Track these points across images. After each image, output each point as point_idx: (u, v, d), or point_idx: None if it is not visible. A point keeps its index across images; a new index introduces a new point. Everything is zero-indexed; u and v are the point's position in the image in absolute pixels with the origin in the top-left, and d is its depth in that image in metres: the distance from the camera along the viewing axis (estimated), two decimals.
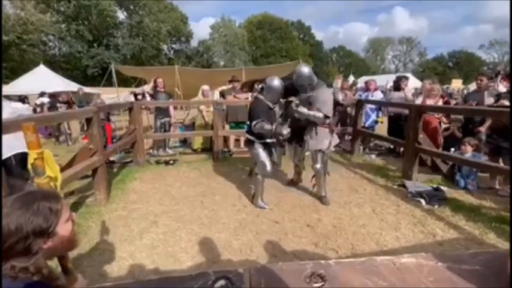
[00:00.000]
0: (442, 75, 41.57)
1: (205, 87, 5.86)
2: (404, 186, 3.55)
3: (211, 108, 5.17)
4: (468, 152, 3.64)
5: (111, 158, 4.70)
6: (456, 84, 19.10)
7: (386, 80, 13.42)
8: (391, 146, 5.50)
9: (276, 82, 3.03)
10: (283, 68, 14.56)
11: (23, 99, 9.47)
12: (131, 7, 32.48)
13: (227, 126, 5.57)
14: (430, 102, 4.49)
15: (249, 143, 3.14)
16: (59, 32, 26.64)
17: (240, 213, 2.96)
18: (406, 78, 5.64)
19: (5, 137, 1.98)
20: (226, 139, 5.53)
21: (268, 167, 3.04)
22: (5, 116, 2.48)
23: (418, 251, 2.23)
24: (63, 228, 0.81)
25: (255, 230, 2.61)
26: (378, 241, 2.42)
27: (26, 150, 2.52)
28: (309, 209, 3.04)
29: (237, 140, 5.98)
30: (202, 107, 5.65)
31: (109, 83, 14.92)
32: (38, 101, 8.40)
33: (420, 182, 3.67)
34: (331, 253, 2.26)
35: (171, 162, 4.82)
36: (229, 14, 65.09)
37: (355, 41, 75.48)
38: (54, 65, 22.29)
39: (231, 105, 5.43)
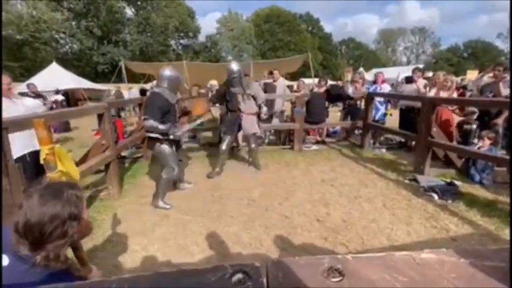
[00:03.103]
0: (457, 66, 40.19)
1: (213, 82, 5.87)
2: (416, 180, 3.49)
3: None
4: (485, 145, 3.52)
5: (123, 153, 4.80)
6: (472, 75, 18.42)
7: (397, 72, 13.09)
8: (402, 140, 5.39)
9: (169, 72, 2.98)
10: (291, 62, 14.41)
11: (37, 96, 9.77)
12: (138, 3, 32.63)
13: None
14: (443, 94, 4.36)
15: (151, 141, 2.94)
16: (69, 30, 27.09)
17: (249, 207, 2.98)
18: (420, 70, 5.48)
19: (20, 134, 2.04)
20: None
21: (176, 170, 3.00)
22: (18, 114, 2.55)
23: (430, 247, 2.22)
24: (85, 213, 0.91)
25: (264, 224, 2.63)
26: (389, 236, 2.39)
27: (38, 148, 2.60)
28: (318, 203, 3.03)
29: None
30: None
31: (119, 80, 15.15)
32: (53, 98, 8.72)
33: (433, 176, 3.60)
34: (340, 248, 2.26)
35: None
36: (236, 7, 64.51)
37: (365, 33, 73.70)
38: (66, 62, 22.72)
39: None
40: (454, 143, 4.06)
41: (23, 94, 4.91)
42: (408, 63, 42.85)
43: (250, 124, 3.87)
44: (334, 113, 8.48)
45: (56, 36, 27.36)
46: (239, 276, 0.26)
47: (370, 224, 2.58)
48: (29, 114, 2.43)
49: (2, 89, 2.69)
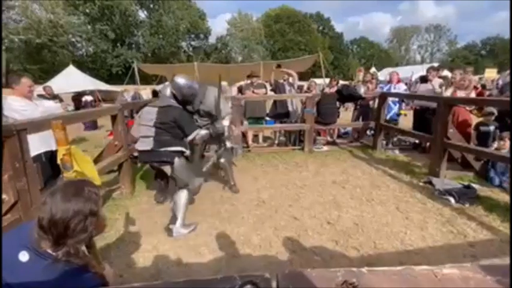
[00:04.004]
0: (474, 64, 38.70)
1: (224, 83, 5.89)
2: (430, 183, 3.38)
3: (230, 104, 5.19)
4: (506, 147, 3.37)
5: (135, 154, 4.89)
6: (490, 74, 17.72)
7: (411, 72, 12.76)
8: (417, 141, 5.24)
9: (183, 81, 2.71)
10: (302, 62, 14.32)
11: (53, 97, 10.26)
12: (151, 5, 33.28)
13: (245, 122, 5.57)
14: (461, 94, 4.20)
15: (168, 155, 2.56)
16: (85, 33, 27.96)
17: (258, 208, 2.97)
18: (436, 68, 5.31)
19: (36, 135, 2.12)
20: (244, 135, 5.55)
21: (199, 185, 2.77)
22: (37, 115, 2.65)
23: (447, 252, 2.14)
24: (101, 210, 0.97)
25: (274, 225, 2.61)
26: (403, 240, 2.32)
27: (54, 148, 2.70)
28: (329, 206, 2.98)
29: (255, 136, 5.99)
30: None
31: (132, 81, 15.50)
32: (84, 99, 9.39)
33: (449, 179, 3.47)
34: (352, 251, 2.21)
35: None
36: (247, 8, 64.70)
37: (377, 32, 72.24)
38: (82, 65, 23.46)
39: (250, 100, 5.43)
40: (472, 145, 3.91)
41: (39, 96, 5.11)
42: (422, 62, 41.64)
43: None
44: (346, 114, 8.35)
45: (73, 39, 28.29)
46: (248, 287, 0.26)
47: (383, 228, 2.52)
48: (46, 116, 2.52)
49: (27, 90, 2.81)
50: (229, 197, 3.25)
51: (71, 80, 12.75)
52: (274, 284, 0.26)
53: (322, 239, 2.39)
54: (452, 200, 2.95)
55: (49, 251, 0.85)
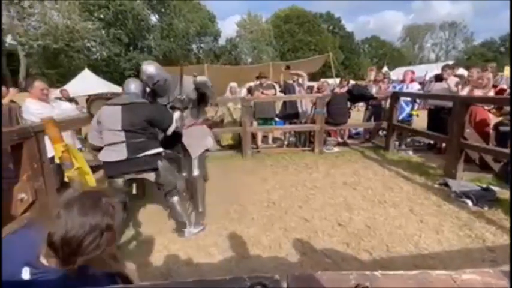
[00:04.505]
0: (492, 61, 37.24)
1: (233, 84, 5.92)
2: (446, 185, 3.27)
3: (239, 105, 5.22)
4: None
5: None
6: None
7: (425, 71, 12.42)
8: (431, 142, 5.09)
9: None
10: (312, 62, 14.21)
11: (69, 100, 10.60)
12: (162, 9, 33.92)
13: (255, 123, 5.58)
14: (478, 93, 4.05)
15: (149, 162, 2.25)
16: (99, 38, 28.81)
17: (268, 209, 2.96)
18: (451, 67, 5.15)
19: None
20: (254, 136, 5.55)
21: (182, 180, 2.65)
22: (54, 116, 2.74)
23: (464, 256, 2.05)
24: (116, 223, 0.89)
25: (284, 226, 2.59)
26: (417, 244, 2.25)
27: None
28: (340, 208, 2.93)
29: (265, 137, 5.98)
30: (230, 104, 5.72)
31: None
32: None
33: (466, 181, 3.35)
34: (364, 254, 2.16)
35: None
36: (256, 9, 64.84)
37: (389, 30, 70.82)
38: (96, 68, 24.15)
39: (259, 101, 5.43)
40: (491, 145, 3.75)
41: (57, 99, 5.30)
42: (437, 60, 40.43)
43: (196, 138, 2.66)
44: (357, 114, 8.22)
45: (88, 44, 29.18)
46: None
47: (396, 231, 2.45)
48: (62, 117, 2.60)
49: (40, 93, 2.92)
50: (239, 198, 3.26)
51: (86, 83, 13.18)
52: (284, 286, 0.25)
53: (333, 241, 2.35)
54: (469, 202, 2.84)
55: (55, 266, 0.79)
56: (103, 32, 29.29)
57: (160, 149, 2.29)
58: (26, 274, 0.76)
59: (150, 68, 2.39)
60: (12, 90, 4.25)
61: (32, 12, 24.54)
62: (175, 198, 2.41)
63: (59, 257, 0.77)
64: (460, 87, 4.38)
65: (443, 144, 4.51)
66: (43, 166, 1.85)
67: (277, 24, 39.27)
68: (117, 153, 2.12)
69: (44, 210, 1.82)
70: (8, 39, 25.45)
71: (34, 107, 2.78)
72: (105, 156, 2.16)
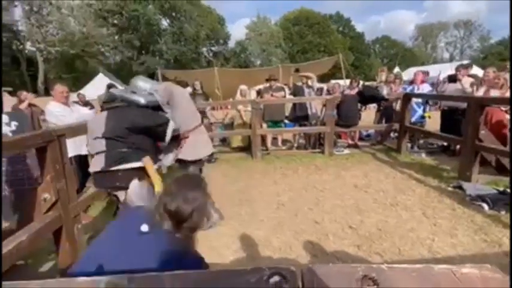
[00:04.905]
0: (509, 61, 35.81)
1: (243, 87, 5.98)
2: (461, 188, 3.20)
3: (249, 108, 5.27)
4: None
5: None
6: None
7: (439, 71, 12.14)
8: (445, 144, 4.98)
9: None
10: (322, 64, 14.15)
11: (85, 104, 10.98)
12: (173, 14, 34.64)
13: (265, 125, 5.62)
14: (495, 93, 3.95)
15: (125, 178, 1.82)
16: (113, 43, 29.73)
17: (278, 211, 2.99)
18: (465, 66, 5.03)
19: (69, 140, 2.29)
20: (263, 138, 5.59)
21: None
22: (72, 120, 2.88)
23: (480, 261, 2.01)
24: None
25: (294, 229, 2.61)
26: (430, 247, 2.22)
27: (83, 153, 2.88)
28: (350, 210, 2.92)
29: (274, 139, 6.01)
30: (240, 106, 5.79)
31: None
32: None
33: (481, 184, 3.26)
34: (375, 257, 2.15)
35: (212, 160, 5.04)
36: (265, 12, 65.16)
37: (400, 30, 69.47)
38: (110, 72, 24.94)
39: (268, 104, 5.47)
40: (508, 147, 3.65)
41: (74, 102, 5.52)
42: (451, 59, 39.36)
43: (190, 149, 2.41)
44: (367, 115, 8.12)
45: (102, 49, 30.15)
46: (276, 278, 0.29)
47: (408, 234, 2.43)
48: (80, 122, 2.73)
49: (60, 96, 3.07)
50: (249, 200, 3.30)
51: (101, 87, 13.60)
52: (299, 276, 0.29)
53: (343, 243, 2.35)
54: (485, 206, 2.77)
55: (167, 228, 0.96)
56: (116, 37, 30.20)
57: (139, 164, 1.87)
58: (144, 228, 0.93)
59: (140, 82, 2.18)
60: (29, 95, 4.48)
61: (50, 20, 25.65)
62: None
63: (170, 222, 0.95)
64: (475, 87, 4.28)
65: (458, 146, 4.41)
66: (65, 168, 1.95)
67: (287, 26, 39.31)
68: (98, 163, 1.87)
69: (66, 209, 1.92)
70: (28, 45, 26.67)
71: (56, 110, 2.93)
72: (91, 166, 1.95)
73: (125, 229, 0.97)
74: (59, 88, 3.06)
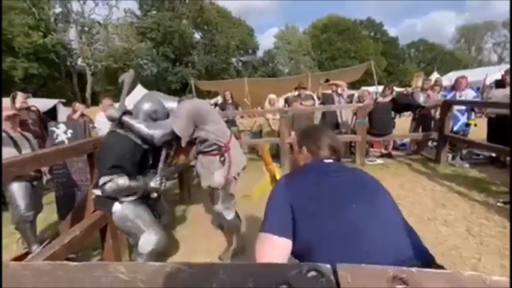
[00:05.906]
0: None
1: (272, 96, 6.08)
2: None
3: (278, 116, 5.33)
4: None
5: (191, 163, 5.36)
6: None
7: (485, 74, 11.14)
8: (493, 155, 4.54)
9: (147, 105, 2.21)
10: (352, 71, 13.76)
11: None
12: (205, 27, 36.49)
13: (293, 134, 5.62)
14: None
15: (101, 203, 1.90)
16: (151, 56, 32.13)
17: None
18: None
19: None
20: (292, 146, 5.59)
21: (159, 238, 1.88)
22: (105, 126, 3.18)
23: None
24: None
25: None
26: (475, 267, 2.04)
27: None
28: None
29: None
30: (268, 115, 5.87)
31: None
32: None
33: None
34: None
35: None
36: (294, 21, 65.69)
37: (438, 32, 65.13)
38: (147, 83, 26.88)
39: (298, 112, 5.48)
40: None
41: None
42: (500, 61, 35.80)
43: (206, 168, 2.31)
44: (402, 122, 7.71)
45: (141, 62, 32.70)
46: (313, 273, 0.32)
47: (450, 252, 2.25)
48: None
49: (106, 108, 3.41)
50: None
51: (139, 97, 14.71)
52: (333, 274, 0.32)
53: None
54: None
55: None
56: (154, 50, 32.59)
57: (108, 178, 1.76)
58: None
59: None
60: (81, 106, 5.04)
61: (98, 38, 28.66)
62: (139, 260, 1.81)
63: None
64: None
65: (508, 158, 4.00)
66: None
67: (315, 34, 39.15)
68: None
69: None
70: (79, 61, 29.93)
71: (104, 120, 3.27)
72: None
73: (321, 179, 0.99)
74: (107, 102, 3.53)
